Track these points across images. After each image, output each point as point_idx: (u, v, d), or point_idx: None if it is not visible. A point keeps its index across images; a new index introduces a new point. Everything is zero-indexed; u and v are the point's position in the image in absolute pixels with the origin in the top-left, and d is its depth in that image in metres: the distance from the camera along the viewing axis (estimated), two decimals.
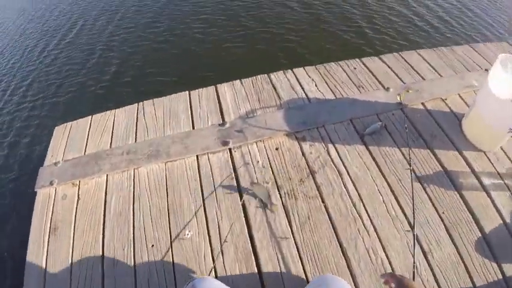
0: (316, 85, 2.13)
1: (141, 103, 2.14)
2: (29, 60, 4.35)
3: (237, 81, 2.18)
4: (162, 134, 1.92)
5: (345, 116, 1.92)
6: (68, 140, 1.99)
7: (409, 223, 1.51)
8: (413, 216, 1.31)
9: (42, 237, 1.58)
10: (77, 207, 1.67)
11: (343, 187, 1.65)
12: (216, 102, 2.07)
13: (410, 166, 1.56)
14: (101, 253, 1.50)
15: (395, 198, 1.61)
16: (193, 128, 1.94)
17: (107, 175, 1.77)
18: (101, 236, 1.55)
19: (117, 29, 4.63)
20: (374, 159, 1.75)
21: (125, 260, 1.46)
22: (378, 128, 1.86)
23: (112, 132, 1.98)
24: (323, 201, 1.60)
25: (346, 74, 2.22)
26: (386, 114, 1.95)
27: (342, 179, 1.67)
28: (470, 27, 4.30)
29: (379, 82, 2.16)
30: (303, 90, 2.09)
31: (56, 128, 2.09)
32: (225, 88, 2.16)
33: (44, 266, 1.48)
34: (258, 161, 1.74)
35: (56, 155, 1.91)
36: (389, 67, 2.29)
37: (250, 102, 2.04)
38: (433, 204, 1.58)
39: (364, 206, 1.58)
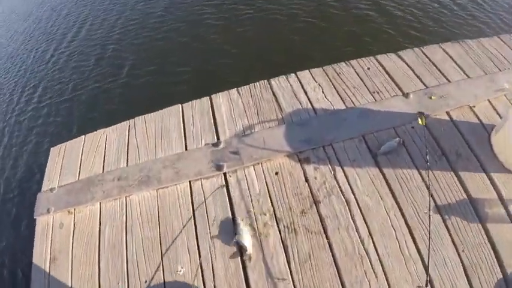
0: (323, 91, 1.86)
1: (133, 120, 1.99)
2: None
3: (234, 91, 1.94)
4: (154, 155, 1.78)
5: (357, 130, 1.67)
6: (63, 163, 2.01)
7: (424, 264, 1.33)
8: (429, 256, 1.18)
9: (43, 266, 1.61)
10: (73, 237, 1.70)
11: (350, 220, 1.46)
12: (211, 117, 1.85)
13: (429, 194, 1.35)
14: (97, 287, 1.51)
15: (411, 233, 1.41)
16: (185, 148, 1.76)
17: (100, 203, 1.75)
18: (97, 268, 1.57)
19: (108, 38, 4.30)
20: (389, 185, 1.53)
21: None
22: (395, 146, 1.61)
23: (104, 153, 1.93)
24: (327, 238, 1.43)
25: (359, 76, 1.92)
26: (405, 128, 1.69)
27: (349, 210, 1.48)
28: (496, 15, 3.63)
29: (397, 86, 1.86)
30: (308, 99, 1.83)
31: (51, 149, 2.12)
32: (220, 99, 1.92)
33: None
34: (255, 188, 1.56)
35: (52, 179, 1.90)
36: (409, 66, 1.96)
37: (247, 115, 1.81)
38: (453, 240, 1.38)
39: (373, 243, 1.40)
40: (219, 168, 1.61)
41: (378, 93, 1.83)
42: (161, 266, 1.46)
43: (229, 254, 1.42)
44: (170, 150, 1.77)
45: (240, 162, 1.61)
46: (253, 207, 1.51)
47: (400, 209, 1.47)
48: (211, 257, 1.43)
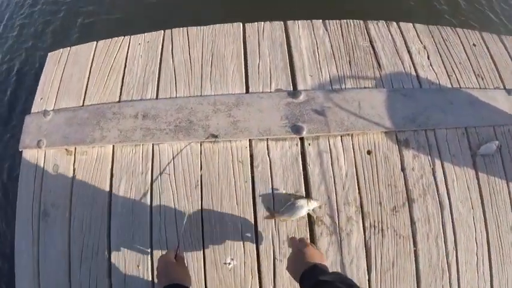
0: (428, 57, 1.43)
1: (169, 31, 1.32)
2: None
3: (319, 23, 1.35)
4: (199, 91, 1.17)
5: (462, 120, 1.34)
6: (63, 76, 1.36)
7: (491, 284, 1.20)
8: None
9: (31, 223, 1.19)
10: (72, 188, 1.18)
11: (441, 227, 1.21)
12: (285, 51, 1.28)
13: None
14: (107, 266, 1.08)
15: (488, 251, 1.24)
16: (246, 89, 1.19)
17: (113, 146, 1.19)
18: (106, 240, 1.11)
19: None
20: (481, 193, 1.29)
21: (139, 280, 1.05)
22: (494, 149, 1.35)
23: (123, 73, 1.29)
24: (415, 244, 1.16)
25: (465, 50, 1.53)
26: (503, 129, 1.43)
27: (442, 215, 1.22)
28: None
29: (500, 77, 1.54)
30: (412, 62, 1.38)
31: (49, 54, 1.45)
32: (299, 29, 1.33)
33: (35, 267, 1.13)
34: (341, 168, 1.15)
35: (47, 98, 1.34)
36: (510, 56, 1.64)
37: (337, 62, 1.29)
38: None
39: (456, 256, 1.20)
40: (296, 130, 1.12)
41: (482, 78, 1.49)
42: (202, 254, 1.03)
43: None
44: (225, 88, 1.19)
45: (325, 127, 1.15)
46: (335, 193, 1.12)
47: (485, 223, 1.27)
48: (273, 251, 1.03)
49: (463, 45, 1.54)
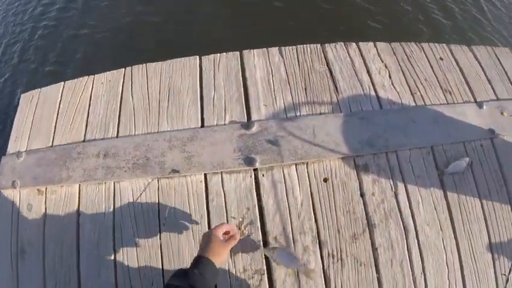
0: (390, 76, 1.42)
1: (129, 69, 1.38)
2: None
3: (275, 50, 1.37)
4: (156, 128, 1.22)
5: (427, 139, 1.31)
6: (34, 117, 1.44)
7: None
8: None
9: (10, 260, 1.24)
10: (44, 227, 1.23)
11: (406, 252, 1.17)
12: (240, 81, 1.30)
13: (486, 227, 1.19)
14: None
15: (462, 272, 1.20)
16: (201, 123, 1.22)
17: (79, 185, 1.24)
18: (76, 275, 1.14)
19: None
20: (450, 213, 1.26)
21: None
22: (464, 166, 1.31)
23: (88, 113, 1.36)
24: (377, 272, 1.13)
25: (431, 65, 1.51)
26: (475, 144, 1.39)
27: (407, 240, 1.18)
28: None
29: (470, 90, 1.51)
30: (372, 83, 1.38)
31: (22, 96, 1.53)
32: (255, 58, 1.36)
33: None
34: (296, 197, 1.15)
35: (20, 139, 1.40)
36: (481, 67, 1.60)
37: (292, 90, 1.30)
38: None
39: (425, 281, 1.16)
40: (249, 161, 1.13)
41: (450, 93, 1.46)
42: (162, 284, 1.04)
43: (255, 283, 1.04)
44: (180, 123, 1.23)
45: (278, 157, 1.15)
46: (291, 223, 1.11)
47: (457, 244, 1.23)
48: (230, 283, 1.04)
49: (428, 60, 1.52)
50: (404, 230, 1.19)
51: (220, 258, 0.86)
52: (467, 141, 1.38)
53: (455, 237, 1.23)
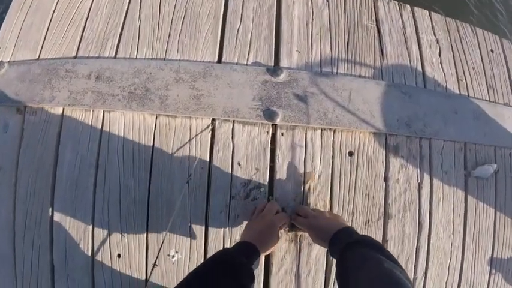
0: (440, 54, 1.22)
1: None
2: None
3: None
4: (163, 54, 0.95)
5: (463, 134, 1.16)
6: (23, 24, 1.10)
7: None
8: None
9: None
10: (19, 151, 0.99)
11: (414, 250, 1.06)
12: (273, 17, 1.04)
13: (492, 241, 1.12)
14: (49, 239, 0.94)
15: (459, 283, 1.13)
16: (219, 58, 0.97)
17: (63, 109, 0.98)
18: (49, 211, 0.95)
19: None
20: (465, 218, 1.15)
21: (80, 261, 0.92)
22: (491, 172, 1.19)
23: (84, 25, 1.06)
24: None
25: (481, 55, 1.33)
26: (505, 152, 1.27)
27: (418, 237, 1.07)
28: None
29: None
30: (421, 56, 1.17)
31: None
32: None
33: None
34: (316, 167, 0.96)
35: (5, 48, 1.08)
36: None
37: (333, 40, 1.07)
38: None
39: (424, 283, 1.08)
40: (269, 115, 0.92)
41: (493, 90, 1.31)
42: (145, 241, 0.89)
43: None
44: (193, 53, 0.97)
45: (304, 117, 0.94)
46: (303, 196, 0.94)
47: (463, 252, 1.14)
48: (223, 244, 0.87)
49: (480, 48, 1.34)
50: (419, 227, 1.07)
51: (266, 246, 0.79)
52: (498, 146, 1.25)
53: (463, 245, 1.14)
